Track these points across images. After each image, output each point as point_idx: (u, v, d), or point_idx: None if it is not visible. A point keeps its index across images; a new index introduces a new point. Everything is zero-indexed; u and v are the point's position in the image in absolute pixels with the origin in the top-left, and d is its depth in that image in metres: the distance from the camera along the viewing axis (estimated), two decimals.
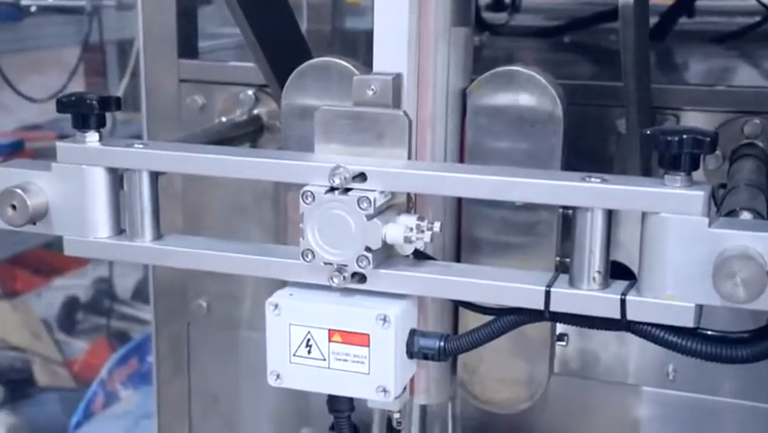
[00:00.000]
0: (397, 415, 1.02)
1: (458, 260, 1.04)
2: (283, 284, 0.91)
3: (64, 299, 3.21)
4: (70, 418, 2.49)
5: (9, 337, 3.00)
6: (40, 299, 3.22)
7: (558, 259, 1.04)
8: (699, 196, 0.75)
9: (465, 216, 1.06)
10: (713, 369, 1.25)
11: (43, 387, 2.86)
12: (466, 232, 1.06)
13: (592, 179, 0.79)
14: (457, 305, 1.02)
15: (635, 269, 0.82)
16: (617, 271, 0.84)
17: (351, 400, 0.93)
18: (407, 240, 0.84)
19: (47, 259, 3.34)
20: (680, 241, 0.75)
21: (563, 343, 1.25)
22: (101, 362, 2.67)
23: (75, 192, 0.91)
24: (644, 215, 0.78)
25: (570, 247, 0.83)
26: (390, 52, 0.89)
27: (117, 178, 0.92)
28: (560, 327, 1.20)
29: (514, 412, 1.17)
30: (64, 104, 0.90)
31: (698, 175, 0.78)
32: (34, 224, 0.91)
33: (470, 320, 0.96)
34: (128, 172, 0.91)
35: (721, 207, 0.87)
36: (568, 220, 0.95)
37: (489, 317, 0.88)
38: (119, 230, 0.93)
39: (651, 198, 0.76)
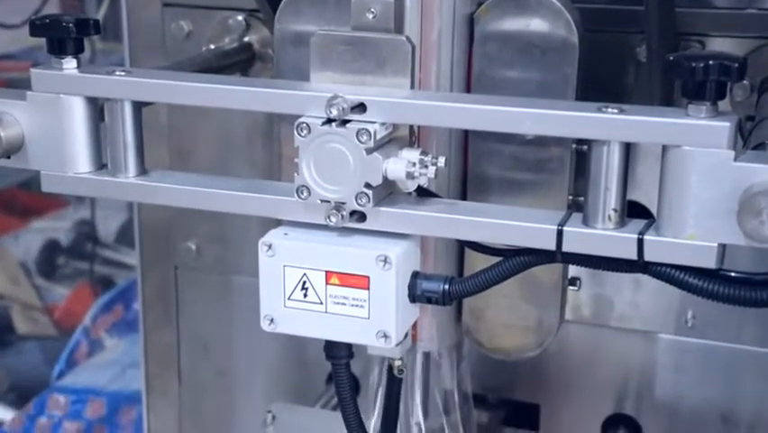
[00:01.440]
0: (398, 363, 1.02)
1: (464, 199, 1.04)
2: (277, 224, 0.91)
3: (43, 242, 3.20)
4: (53, 367, 2.51)
5: None
6: (17, 241, 3.22)
7: (571, 198, 1.04)
8: (724, 127, 0.74)
9: (472, 152, 1.05)
10: (734, 315, 1.26)
11: (23, 335, 2.88)
12: (473, 169, 1.06)
13: (609, 110, 0.78)
14: (462, 246, 1.03)
15: (653, 210, 0.82)
16: (635, 213, 0.83)
17: (349, 346, 0.93)
18: (410, 176, 0.83)
19: (24, 199, 3.34)
20: (703, 176, 0.75)
21: (575, 287, 1.25)
22: (84, 309, 2.68)
23: (52, 124, 0.90)
24: (664, 148, 0.77)
25: (583, 185, 0.83)
26: None
27: (97, 108, 0.91)
28: (572, 271, 1.20)
29: (522, 360, 1.18)
30: (38, 26, 0.89)
31: (723, 107, 0.77)
32: (8, 157, 0.90)
33: (477, 262, 0.96)
34: (109, 102, 0.90)
35: (748, 140, 0.86)
36: (582, 156, 0.94)
37: (496, 259, 0.88)
38: (100, 165, 0.93)
39: (673, 129, 0.75)
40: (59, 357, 2.52)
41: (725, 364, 1.29)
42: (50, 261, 3.19)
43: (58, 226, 3.31)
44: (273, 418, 1.31)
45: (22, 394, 2.49)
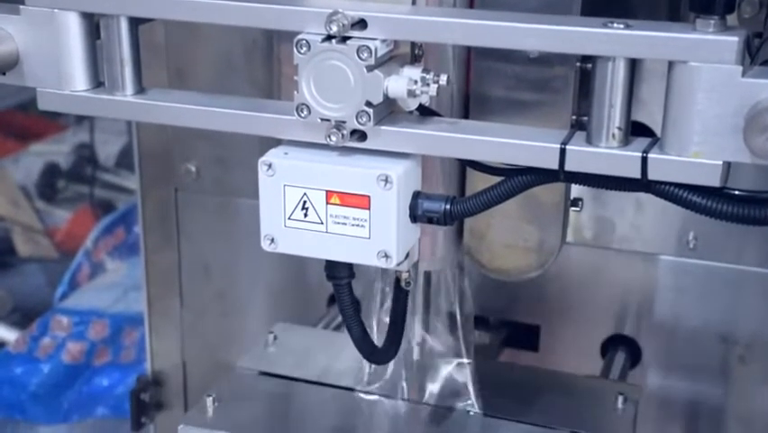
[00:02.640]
0: (405, 275, 1.02)
1: (466, 119, 1.03)
2: (277, 144, 0.90)
3: (43, 165, 3.19)
4: (55, 289, 2.53)
5: None
6: (17, 164, 3.21)
7: (574, 118, 1.03)
8: (732, 42, 0.73)
9: (474, 71, 1.03)
10: (736, 236, 1.27)
11: (25, 257, 2.89)
12: (475, 88, 1.04)
13: (615, 26, 0.77)
14: (464, 165, 1.02)
15: (657, 131, 0.80)
16: (638, 133, 0.82)
17: (350, 266, 0.93)
18: (411, 94, 0.82)
19: (23, 122, 3.32)
20: (709, 92, 0.74)
21: (577, 208, 1.25)
22: (85, 232, 2.68)
23: (47, 40, 0.88)
24: (670, 65, 0.76)
25: (587, 105, 0.82)
26: None
27: (93, 25, 0.90)
28: (574, 191, 1.20)
29: (523, 281, 1.18)
30: None
31: (731, 23, 0.75)
32: (4, 74, 0.89)
33: (478, 182, 0.95)
34: (104, 18, 0.88)
35: (756, 58, 0.85)
36: (586, 75, 0.93)
37: (498, 179, 0.87)
38: (97, 83, 0.91)
39: (679, 44, 0.74)
40: (62, 279, 2.53)
41: (725, 285, 1.29)
42: (50, 184, 3.18)
43: (57, 150, 3.30)
44: (275, 338, 1.32)
45: (26, 315, 2.51)
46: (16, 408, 2.22)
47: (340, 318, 1.23)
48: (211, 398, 1.15)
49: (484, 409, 1.17)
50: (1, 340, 2.46)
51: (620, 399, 1.18)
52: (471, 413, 1.16)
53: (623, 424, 1.16)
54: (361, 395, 1.19)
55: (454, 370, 1.18)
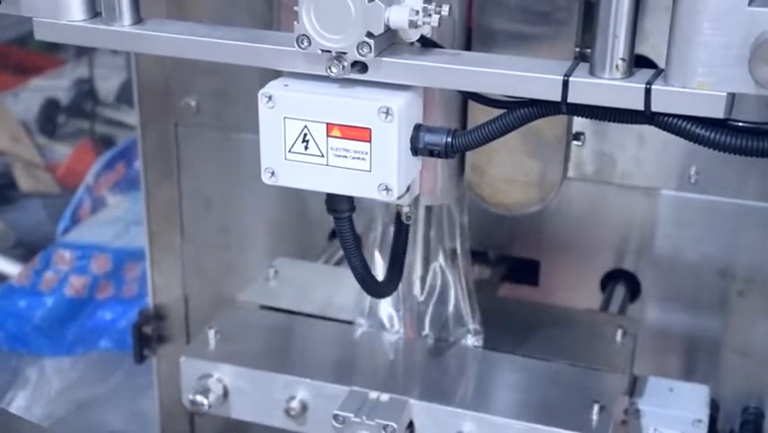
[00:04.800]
0: (406, 209, 1.02)
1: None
2: (277, 77, 0.89)
3: (43, 100, 3.16)
4: (57, 223, 2.52)
5: None
6: (17, 99, 3.18)
7: (578, 50, 1.02)
8: None
9: (477, 3, 1.02)
10: (737, 170, 1.26)
11: (27, 192, 2.88)
12: (477, 20, 1.03)
13: None
14: (466, 98, 1.01)
15: (661, 65, 0.79)
16: (643, 67, 0.81)
17: (351, 199, 0.93)
18: (413, 24, 0.81)
19: (22, 56, 3.28)
20: (715, 22, 0.72)
21: (579, 142, 1.24)
22: (86, 167, 2.67)
23: None
24: None
25: (591, 37, 0.80)
26: None
27: None
28: (576, 126, 1.19)
29: (523, 216, 1.18)
30: None
31: None
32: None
33: (480, 115, 0.95)
34: None
35: None
36: (590, 6, 0.91)
37: (500, 111, 0.86)
38: (95, 13, 0.90)
39: None
40: (63, 214, 2.52)
41: (726, 219, 1.29)
42: (50, 119, 3.15)
43: (57, 85, 3.26)
44: (276, 272, 1.32)
45: (28, 249, 2.51)
46: (20, 340, 2.24)
47: (341, 253, 1.23)
48: (213, 330, 1.16)
49: (484, 342, 1.17)
50: (4, 274, 2.46)
51: (619, 332, 1.19)
52: (471, 346, 1.17)
53: (622, 356, 1.17)
54: (361, 328, 1.20)
55: (454, 303, 1.18)
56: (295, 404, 1.08)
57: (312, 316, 1.24)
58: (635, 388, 1.19)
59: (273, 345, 1.18)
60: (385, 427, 1.00)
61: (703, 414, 1.17)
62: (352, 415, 1.01)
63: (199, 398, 1.10)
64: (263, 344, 1.18)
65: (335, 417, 1.01)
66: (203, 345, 1.15)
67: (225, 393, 1.11)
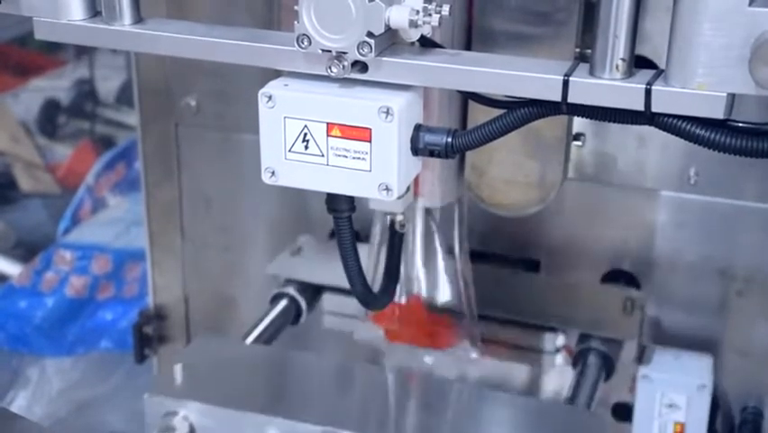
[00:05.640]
0: (400, 218, 1.02)
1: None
2: (277, 77, 0.89)
3: (43, 101, 3.16)
4: (57, 224, 2.52)
5: None
6: (17, 100, 3.18)
7: (578, 51, 1.02)
8: None
9: (477, 3, 1.02)
10: (736, 171, 1.26)
11: (27, 193, 2.88)
12: (478, 21, 1.03)
13: None
14: (466, 98, 1.01)
15: (661, 65, 0.79)
16: (643, 68, 0.81)
17: (351, 199, 0.92)
18: (413, 24, 0.81)
19: (22, 56, 3.28)
20: (715, 23, 0.72)
21: (580, 143, 1.24)
22: (86, 168, 2.66)
23: None
24: None
25: (591, 38, 0.80)
26: None
27: None
28: (576, 126, 1.19)
29: (524, 216, 1.18)
30: None
31: None
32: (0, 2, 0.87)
33: (480, 115, 0.94)
34: None
35: None
36: (591, 7, 0.91)
37: (500, 111, 0.86)
38: (95, 12, 0.90)
39: None
40: (64, 214, 2.52)
41: (725, 220, 1.29)
42: (50, 120, 3.15)
43: (57, 85, 3.26)
44: (299, 248, 1.38)
45: (29, 250, 2.51)
46: (21, 340, 2.24)
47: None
48: (180, 365, 1.09)
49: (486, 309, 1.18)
50: (5, 274, 2.46)
51: (628, 304, 1.23)
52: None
53: (631, 325, 1.21)
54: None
55: (451, 301, 1.18)
56: None
57: (335, 288, 1.29)
58: (642, 356, 1.23)
59: (244, 380, 1.12)
60: None
61: (707, 380, 1.23)
62: None
63: None
64: (233, 379, 1.11)
65: None
66: (169, 381, 1.08)
67: (192, 432, 1.04)
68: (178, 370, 1.08)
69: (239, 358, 1.17)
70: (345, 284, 1.01)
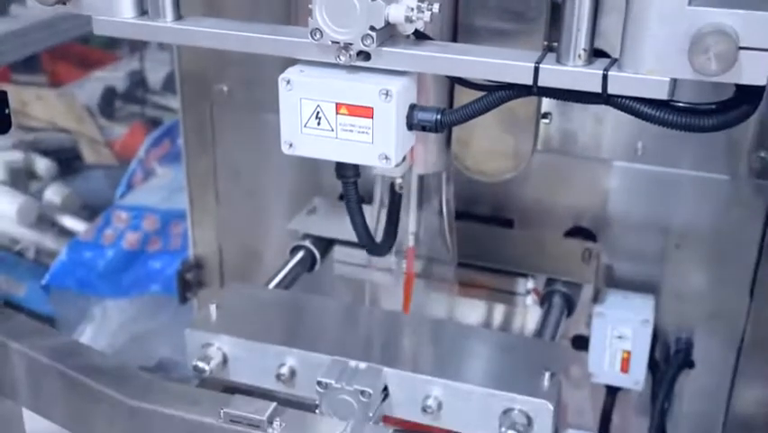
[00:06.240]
0: (399, 180, 1.01)
1: None
2: (295, 64, 0.87)
3: (103, 89, 3.15)
4: (115, 189, 2.52)
5: (57, 120, 2.98)
6: (81, 88, 3.17)
7: (546, 44, 1.00)
8: None
9: (462, 3, 1.01)
10: (676, 144, 1.25)
11: (90, 164, 2.87)
12: (463, 17, 1.01)
13: None
14: (453, 82, 0.99)
15: (615, 56, 0.78)
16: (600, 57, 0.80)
17: (356, 167, 0.92)
18: (408, 19, 0.79)
19: (85, 53, 3.27)
20: (661, 18, 0.71)
21: (547, 121, 1.23)
22: (138, 143, 2.66)
23: None
24: None
25: (557, 32, 0.79)
26: None
27: None
28: (544, 106, 1.18)
29: (500, 181, 1.17)
30: None
31: None
32: (64, 3, 0.86)
33: (465, 97, 0.93)
34: None
35: None
36: (557, 7, 0.90)
37: (481, 93, 0.85)
38: (142, 11, 0.88)
39: None
40: (120, 182, 2.52)
41: (666, 186, 1.28)
42: (109, 104, 3.14)
43: (114, 76, 3.24)
44: (314, 208, 1.36)
45: (92, 211, 2.52)
46: (87, 285, 2.25)
47: None
48: (214, 305, 1.09)
49: (469, 259, 1.19)
50: (73, 230, 2.47)
51: (586, 254, 1.23)
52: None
53: (589, 272, 1.22)
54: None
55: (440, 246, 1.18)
56: (284, 370, 1.02)
57: (345, 241, 1.27)
58: (597, 297, 1.25)
59: (267, 318, 1.12)
60: (362, 392, 0.94)
61: (650, 316, 1.26)
62: (333, 381, 0.95)
63: (201, 364, 1.04)
64: (259, 318, 1.11)
65: (319, 383, 0.96)
66: (205, 318, 1.08)
67: (225, 360, 1.05)
68: (213, 309, 1.08)
69: (263, 300, 1.17)
70: (353, 238, 1.02)
